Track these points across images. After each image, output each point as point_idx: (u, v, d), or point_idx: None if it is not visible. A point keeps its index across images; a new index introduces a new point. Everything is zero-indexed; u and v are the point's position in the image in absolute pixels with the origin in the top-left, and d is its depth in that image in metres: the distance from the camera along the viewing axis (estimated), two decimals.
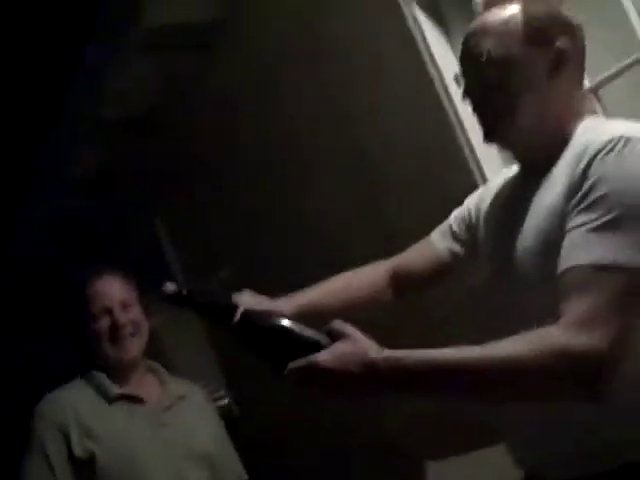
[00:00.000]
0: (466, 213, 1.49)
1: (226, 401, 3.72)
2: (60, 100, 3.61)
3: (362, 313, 1.47)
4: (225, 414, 3.62)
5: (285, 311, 1.31)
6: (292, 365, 1.13)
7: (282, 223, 3.10)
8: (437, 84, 2.20)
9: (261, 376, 1.73)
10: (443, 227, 1.53)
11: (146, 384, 2.02)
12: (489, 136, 1.29)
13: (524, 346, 1.05)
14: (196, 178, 3.62)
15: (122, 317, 1.95)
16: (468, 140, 2.12)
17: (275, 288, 1.43)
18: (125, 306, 1.97)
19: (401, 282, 1.55)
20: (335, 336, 1.14)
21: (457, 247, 1.48)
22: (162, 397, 2.01)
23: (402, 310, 1.63)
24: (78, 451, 1.84)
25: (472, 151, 2.12)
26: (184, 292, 1.27)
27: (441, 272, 1.51)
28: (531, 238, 1.19)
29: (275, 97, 2.91)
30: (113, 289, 1.99)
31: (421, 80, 2.24)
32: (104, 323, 1.95)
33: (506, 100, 1.23)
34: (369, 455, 2.72)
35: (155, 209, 4.09)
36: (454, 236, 1.49)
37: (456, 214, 1.52)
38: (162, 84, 3.41)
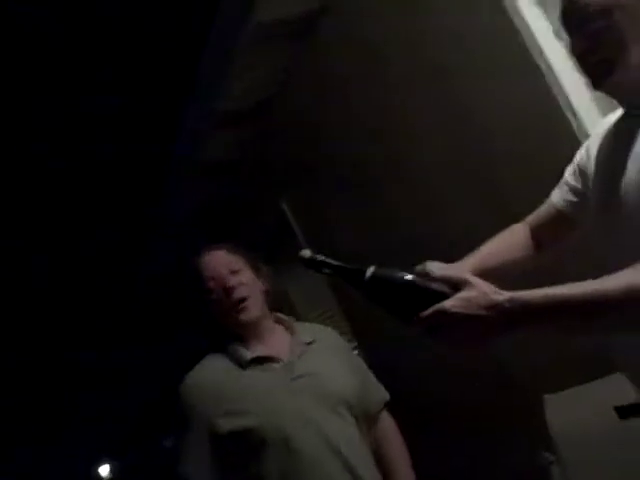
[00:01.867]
0: (576, 164, 1.56)
1: (356, 352, 3.82)
2: (186, 97, 3.82)
3: (518, 271, 1.57)
4: None
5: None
6: (422, 314, 1.20)
7: (393, 200, 3.16)
8: (530, 45, 2.17)
9: (384, 327, 1.81)
10: (560, 183, 1.62)
11: (276, 338, 2.07)
12: (598, 83, 1.33)
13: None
14: (317, 162, 3.72)
15: (230, 281, 2.02)
16: (569, 102, 2.08)
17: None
18: (233, 272, 2.04)
19: (537, 238, 1.63)
20: (458, 285, 1.21)
21: (572, 196, 1.56)
22: (293, 347, 2.04)
23: None
24: (225, 427, 1.89)
25: (573, 113, 2.08)
26: (319, 257, 1.40)
27: (565, 223, 1.59)
28: (635, 178, 1.24)
29: (382, 80, 2.96)
30: (217, 259, 2.07)
31: (515, 42, 2.14)
32: (218, 292, 2.03)
33: (615, 46, 1.26)
34: (489, 390, 2.76)
35: (280, 193, 4.21)
36: (569, 187, 1.57)
37: (568, 168, 1.60)
38: (276, 75, 3.54)
